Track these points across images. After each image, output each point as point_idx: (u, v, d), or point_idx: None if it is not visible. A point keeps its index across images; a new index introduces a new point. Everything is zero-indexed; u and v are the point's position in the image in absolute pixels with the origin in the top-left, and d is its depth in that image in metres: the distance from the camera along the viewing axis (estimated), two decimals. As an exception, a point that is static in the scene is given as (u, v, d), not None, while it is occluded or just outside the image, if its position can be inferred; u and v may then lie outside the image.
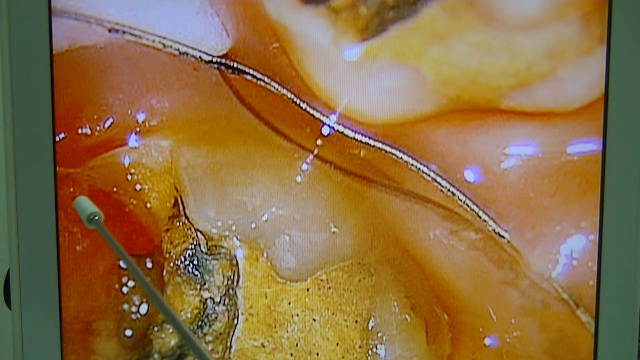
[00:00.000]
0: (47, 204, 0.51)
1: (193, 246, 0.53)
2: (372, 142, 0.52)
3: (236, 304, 0.54)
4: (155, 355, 0.54)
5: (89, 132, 0.51)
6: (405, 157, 0.52)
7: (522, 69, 0.51)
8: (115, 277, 0.53)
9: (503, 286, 0.55)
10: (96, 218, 0.41)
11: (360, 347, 0.55)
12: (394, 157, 0.52)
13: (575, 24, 0.51)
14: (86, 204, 0.42)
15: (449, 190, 0.53)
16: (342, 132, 0.52)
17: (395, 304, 0.54)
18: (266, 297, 0.54)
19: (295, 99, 0.51)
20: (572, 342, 0.56)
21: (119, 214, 0.52)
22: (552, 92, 0.52)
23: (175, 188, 0.52)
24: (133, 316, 0.54)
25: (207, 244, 0.53)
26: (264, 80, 0.51)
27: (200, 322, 0.54)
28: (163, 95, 0.51)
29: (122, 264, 0.53)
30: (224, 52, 0.51)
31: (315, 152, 0.52)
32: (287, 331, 0.54)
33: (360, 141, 0.52)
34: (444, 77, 0.51)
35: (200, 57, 0.51)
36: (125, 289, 0.53)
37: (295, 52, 0.51)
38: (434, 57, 0.51)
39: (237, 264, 0.53)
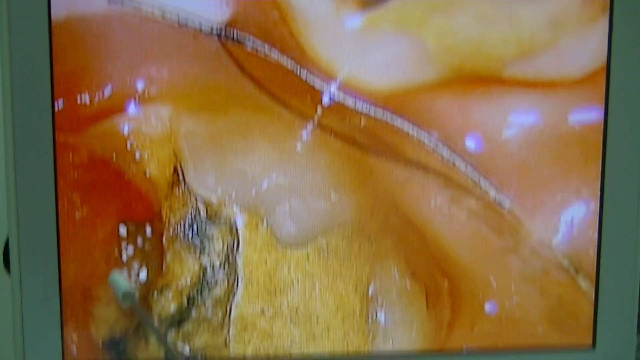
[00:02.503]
0: (46, 171, 0.62)
1: (193, 213, 0.64)
2: (372, 111, 0.63)
3: (236, 270, 0.65)
4: (155, 321, 0.65)
5: (88, 100, 0.61)
6: (406, 126, 0.64)
7: (525, 39, 0.62)
8: (114, 244, 0.64)
9: (503, 254, 0.67)
10: (130, 296, 0.51)
11: (360, 313, 0.67)
12: (394, 126, 0.64)
13: (580, -9, 0.62)
14: (120, 281, 0.52)
15: (449, 158, 0.65)
16: (343, 101, 0.63)
17: (396, 270, 0.66)
18: (266, 264, 0.65)
19: (295, 68, 0.62)
20: (572, 308, 0.68)
21: (118, 182, 0.62)
22: (555, 62, 0.63)
23: (175, 156, 0.63)
24: (133, 282, 0.65)
25: (207, 211, 0.64)
26: (264, 50, 0.62)
27: (200, 288, 0.64)
28: (162, 64, 0.61)
29: (121, 230, 0.65)
30: (224, 21, 0.61)
31: (316, 120, 0.63)
32: (287, 297, 0.65)
33: (361, 110, 0.63)
34: (446, 46, 0.62)
35: (200, 26, 0.61)
36: (124, 256, 0.65)
37: (295, 21, 0.61)
38: (436, 26, 0.61)
39: (237, 230, 0.65)
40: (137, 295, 0.52)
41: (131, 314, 0.65)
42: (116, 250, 0.64)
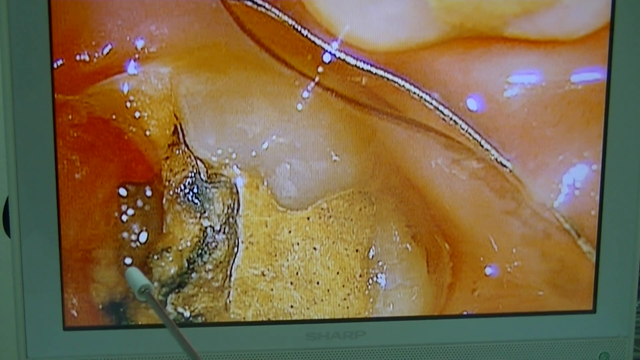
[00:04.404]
0: (46, 132, 0.62)
1: (193, 174, 0.65)
2: (374, 70, 0.63)
3: (236, 232, 0.66)
4: (155, 284, 0.65)
5: (87, 58, 0.62)
6: (407, 85, 0.64)
7: (527, -4, 0.62)
8: (114, 205, 0.65)
9: (505, 216, 0.67)
10: (147, 290, 0.51)
11: (360, 276, 0.67)
12: (396, 85, 0.64)
13: (583, -52, 0.62)
14: (137, 275, 0.52)
15: (451, 118, 0.65)
16: (344, 60, 0.63)
17: (396, 233, 0.67)
18: (266, 226, 0.66)
19: (296, 26, 0.62)
20: (573, 271, 0.69)
21: (118, 142, 0.63)
22: (557, 20, 0.63)
23: (175, 116, 0.63)
24: (133, 244, 0.65)
25: (207, 172, 0.65)
26: (264, 7, 0.62)
27: (200, 251, 0.66)
28: (162, 21, 0.61)
29: (121, 192, 0.65)
30: (224, -23, 0.62)
31: (317, 79, 0.63)
32: (288, 260, 0.66)
33: (362, 69, 0.63)
34: (447, 4, 0.62)
35: (200, -18, 0.62)
36: (124, 217, 0.65)
37: (296, -23, 0.62)
38: (437, -17, 0.62)
39: (237, 192, 0.65)
40: (154, 289, 0.52)
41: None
42: (116, 211, 0.64)
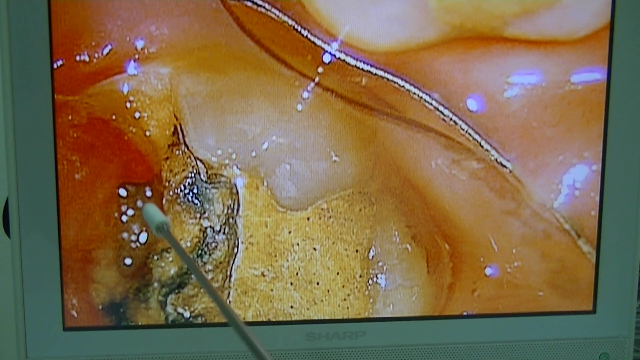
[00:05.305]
0: (46, 132, 0.62)
1: (193, 175, 0.65)
2: (374, 70, 0.63)
3: (236, 232, 0.66)
4: (155, 284, 0.66)
5: (87, 59, 0.62)
6: (407, 86, 0.64)
7: (527, -4, 0.62)
8: (114, 206, 0.65)
9: (505, 216, 0.67)
10: (164, 226, 0.49)
11: (360, 276, 0.67)
12: (396, 85, 0.64)
13: (583, -51, 0.62)
14: (154, 212, 0.52)
15: (451, 119, 0.65)
16: (344, 60, 0.63)
17: (396, 233, 0.67)
18: (266, 226, 0.66)
19: (296, 26, 0.62)
20: (573, 272, 0.69)
21: (118, 142, 0.63)
22: (557, 20, 0.63)
23: (175, 116, 0.63)
24: (133, 245, 0.65)
25: (206, 172, 0.65)
26: (264, 7, 0.62)
27: (200, 251, 0.66)
28: (162, 21, 0.61)
29: (121, 192, 0.65)
30: (224, -23, 0.62)
31: (317, 80, 0.63)
32: (288, 260, 0.66)
33: (362, 69, 0.63)
34: (447, 4, 0.62)
35: (200, -17, 0.62)
36: (124, 218, 0.65)
37: (296, -22, 0.62)
38: (437, -17, 0.62)
39: (237, 192, 0.65)
40: (171, 225, 0.51)
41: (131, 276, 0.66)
42: (116, 212, 0.64)
